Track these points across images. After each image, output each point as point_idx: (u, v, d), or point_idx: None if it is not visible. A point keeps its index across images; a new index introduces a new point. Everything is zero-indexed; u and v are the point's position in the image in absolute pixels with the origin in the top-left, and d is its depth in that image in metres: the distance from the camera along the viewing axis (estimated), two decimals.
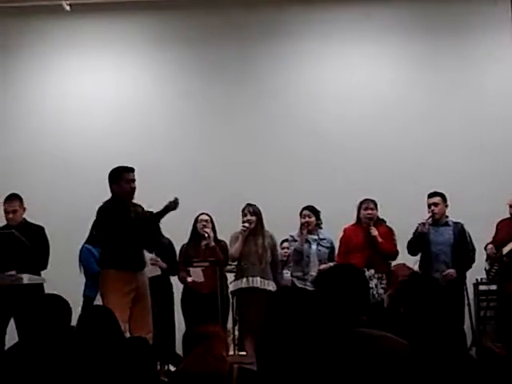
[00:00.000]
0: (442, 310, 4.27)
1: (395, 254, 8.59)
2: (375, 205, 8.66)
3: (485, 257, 8.74)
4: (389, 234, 8.64)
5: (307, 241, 8.71)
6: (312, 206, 8.82)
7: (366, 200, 8.69)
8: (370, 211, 8.61)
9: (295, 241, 8.74)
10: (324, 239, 8.77)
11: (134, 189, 7.33)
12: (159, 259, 8.58)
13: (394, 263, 8.58)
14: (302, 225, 8.73)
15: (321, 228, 8.85)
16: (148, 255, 8.15)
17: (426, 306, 4.09)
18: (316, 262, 8.66)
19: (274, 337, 3.46)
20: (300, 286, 8.49)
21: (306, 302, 3.65)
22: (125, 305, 7.03)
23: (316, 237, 8.76)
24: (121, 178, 7.33)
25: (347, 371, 3.13)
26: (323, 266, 8.55)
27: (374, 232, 8.52)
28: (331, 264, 8.49)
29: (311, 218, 8.77)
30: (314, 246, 8.71)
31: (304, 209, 8.81)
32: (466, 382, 3.74)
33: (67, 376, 3.90)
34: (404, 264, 7.93)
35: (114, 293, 7.13)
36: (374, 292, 8.21)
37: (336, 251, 8.76)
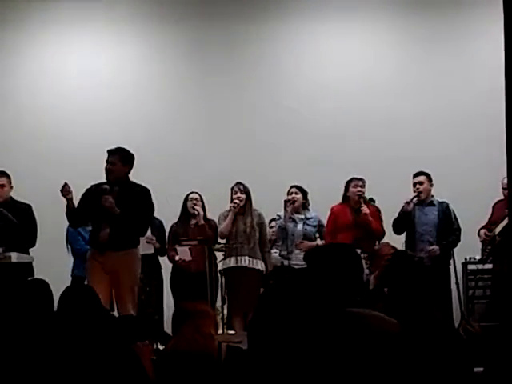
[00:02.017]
0: (427, 289, 4.28)
1: (382, 234, 8.60)
2: (364, 183, 8.65)
3: (474, 236, 8.76)
4: (376, 213, 8.65)
5: (293, 220, 8.71)
6: (300, 186, 8.82)
7: (354, 178, 8.68)
8: (360, 188, 8.60)
9: None
10: (311, 218, 8.78)
11: (106, 169, 7.34)
12: (154, 238, 8.62)
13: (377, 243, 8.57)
14: (286, 201, 8.73)
15: (308, 210, 8.84)
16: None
17: (410, 284, 4.10)
18: (301, 240, 8.67)
19: (266, 315, 3.45)
20: (286, 264, 8.52)
21: (299, 282, 3.65)
22: (104, 283, 7.08)
23: (302, 216, 8.77)
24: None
25: (339, 351, 3.13)
26: (306, 242, 8.55)
27: (366, 210, 8.51)
28: (318, 242, 8.51)
29: (298, 194, 8.77)
30: (300, 225, 8.72)
31: (292, 187, 8.82)
32: (454, 360, 3.75)
33: (48, 357, 3.89)
34: (387, 243, 7.92)
35: (93, 271, 7.24)
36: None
37: (325, 228, 8.76)
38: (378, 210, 8.69)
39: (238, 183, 8.63)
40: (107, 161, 7.35)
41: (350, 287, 3.43)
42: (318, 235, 8.82)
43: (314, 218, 8.79)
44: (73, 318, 4.10)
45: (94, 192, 7.31)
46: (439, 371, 3.67)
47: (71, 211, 7.28)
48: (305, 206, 8.85)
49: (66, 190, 7.20)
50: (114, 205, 7.16)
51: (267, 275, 8.32)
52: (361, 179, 8.66)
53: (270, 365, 3.26)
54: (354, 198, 8.60)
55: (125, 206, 7.22)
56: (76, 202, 7.31)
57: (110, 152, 7.38)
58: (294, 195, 8.77)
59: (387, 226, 8.68)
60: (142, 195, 7.38)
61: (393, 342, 3.17)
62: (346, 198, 8.69)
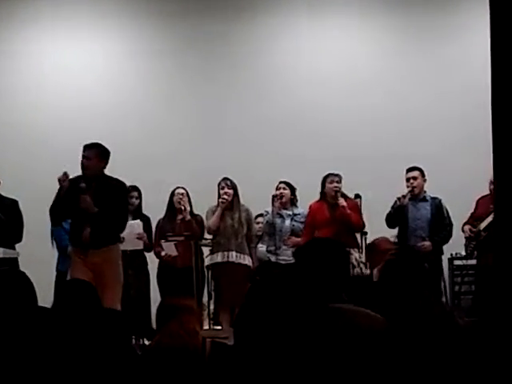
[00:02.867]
0: (427, 285, 4.30)
1: (362, 227, 8.56)
2: (340, 179, 8.61)
3: (461, 232, 8.78)
4: (355, 206, 8.59)
5: (281, 215, 8.71)
6: (288, 182, 8.81)
7: (330, 174, 8.61)
8: (336, 184, 8.55)
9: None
10: (298, 214, 8.77)
11: (82, 164, 7.32)
12: (145, 235, 8.62)
13: (373, 237, 8.51)
14: (274, 196, 8.72)
15: (296, 206, 8.83)
16: (133, 230, 8.26)
17: (417, 279, 4.11)
18: (289, 236, 8.66)
19: (252, 311, 3.45)
20: (273, 260, 8.52)
21: (285, 278, 3.65)
22: (87, 279, 7.06)
23: (290, 212, 8.77)
24: None
25: (324, 347, 3.13)
26: (294, 238, 8.55)
27: (343, 202, 8.47)
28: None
29: (286, 190, 8.77)
30: (287, 221, 8.71)
31: (280, 182, 8.81)
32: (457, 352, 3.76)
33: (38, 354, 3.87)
34: (386, 238, 7.89)
35: (74, 268, 7.25)
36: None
37: None
38: (357, 204, 8.65)
39: (225, 178, 8.62)
40: (84, 156, 7.32)
41: (336, 283, 3.43)
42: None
43: (302, 214, 8.78)
44: (74, 314, 4.07)
45: (70, 188, 7.26)
46: (441, 366, 3.67)
47: (57, 203, 7.24)
48: (293, 201, 8.85)
49: (64, 179, 7.20)
50: (91, 205, 7.15)
51: (253, 271, 8.32)
52: (337, 175, 8.59)
53: (255, 360, 3.25)
54: (330, 194, 8.55)
55: (102, 201, 7.21)
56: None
57: (86, 147, 7.34)
58: (281, 190, 8.77)
59: (380, 221, 8.65)
60: (119, 190, 7.39)
61: (378, 338, 3.17)
62: (323, 194, 8.66)
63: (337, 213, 8.48)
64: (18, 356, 3.77)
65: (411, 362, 3.55)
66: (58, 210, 7.34)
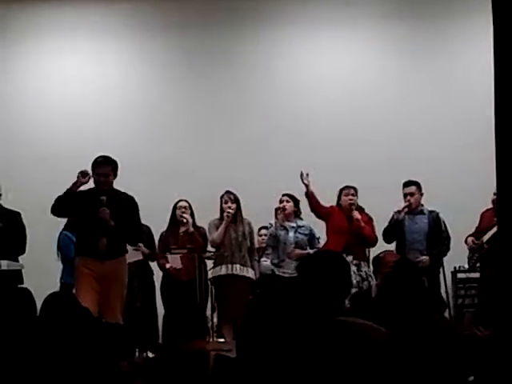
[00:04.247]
0: (428, 296, 4.29)
1: (375, 241, 8.61)
2: (356, 191, 8.67)
3: (463, 245, 8.77)
4: (369, 221, 8.67)
5: (285, 228, 8.70)
6: (291, 194, 8.82)
7: (346, 187, 8.71)
8: (351, 197, 8.63)
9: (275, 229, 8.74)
10: (302, 226, 8.76)
11: (99, 181, 7.34)
12: (142, 244, 8.61)
13: (376, 251, 8.53)
14: (277, 209, 8.73)
15: (301, 218, 8.83)
16: None
17: (413, 291, 4.10)
18: (293, 249, 8.66)
19: (254, 324, 3.45)
20: (278, 273, 8.51)
21: (287, 290, 3.64)
22: (91, 291, 7.11)
23: (294, 224, 8.75)
24: (92, 170, 7.37)
25: (326, 359, 3.13)
26: (298, 251, 8.55)
27: (357, 215, 8.53)
28: (309, 251, 8.49)
29: (289, 202, 8.76)
30: (291, 233, 8.70)
31: (283, 195, 8.82)
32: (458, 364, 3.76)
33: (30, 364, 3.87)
34: (392, 251, 7.90)
35: (81, 279, 7.25)
36: (352, 279, 8.19)
37: (316, 236, 8.78)
38: (371, 218, 8.71)
39: (228, 192, 8.63)
40: (100, 173, 7.33)
41: (338, 296, 3.42)
42: (308, 244, 8.78)
43: (306, 226, 8.77)
44: (55, 324, 4.09)
45: (84, 199, 7.30)
46: (439, 376, 3.67)
47: (66, 196, 7.25)
48: (296, 214, 8.83)
49: (84, 176, 7.23)
50: (110, 217, 7.20)
51: (254, 284, 8.32)
52: (353, 187, 8.69)
53: (257, 373, 3.25)
54: (345, 206, 8.62)
55: (114, 215, 7.25)
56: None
57: (101, 163, 7.34)
58: (284, 203, 8.76)
59: (378, 234, 8.67)
60: (130, 203, 7.46)
61: (380, 350, 3.16)
62: (338, 206, 8.72)
63: (352, 224, 8.52)
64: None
65: (413, 373, 3.55)
66: (65, 203, 7.33)
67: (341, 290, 3.44)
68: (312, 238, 8.78)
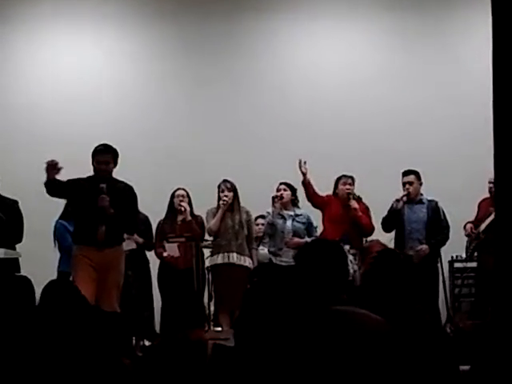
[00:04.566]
0: (415, 287, 4.28)
1: (372, 230, 8.62)
2: (353, 181, 8.67)
3: (461, 234, 8.79)
4: (365, 210, 8.68)
5: (282, 216, 8.71)
6: (289, 183, 8.82)
7: (344, 176, 8.71)
8: (348, 186, 8.63)
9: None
10: (300, 215, 8.76)
11: (100, 169, 7.35)
12: (135, 234, 8.60)
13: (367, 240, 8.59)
14: (274, 197, 8.73)
15: (298, 207, 8.83)
16: None
17: (395, 282, 4.09)
18: (291, 237, 8.67)
19: (252, 313, 3.45)
20: (275, 262, 8.52)
21: (285, 279, 3.64)
22: (89, 279, 7.10)
23: (292, 212, 8.76)
24: (92, 158, 7.38)
25: (325, 349, 3.13)
26: (295, 239, 8.56)
27: (355, 204, 8.53)
28: (307, 239, 8.50)
29: (286, 191, 8.76)
30: (289, 222, 8.71)
31: (280, 183, 8.82)
32: (440, 358, 3.76)
33: (29, 354, 3.87)
34: (378, 241, 7.91)
35: (79, 267, 7.25)
36: (350, 268, 8.19)
37: (314, 225, 8.79)
38: (367, 208, 8.71)
39: (225, 181, 8.63)
40: (101, 161, 7.33)
41: (336, 285, 3.42)
42: (306, 233, 8.79)
43: (304, 214, 8.78)
44: (55, 312, 4.09)
45: (83, 187, 7.30)
46: (424, 369, 3.67)
47: (52, 182, 7.23)
48: (294, 202, 8.84)
49: (53, 166, 7.19)
50: (109, 205, 7.20)
51: (251, 272, 8.31)
52: (350, 177, 8.69)
53: (256, 362, 3.25)
54: (342, 195, 8.62)
55: (112, 203, 7.25)
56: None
57: (101, 151, 7.35)
58: (282, 191, 8.76)
59: (376, 223, 8.68)
60: (128, 192, 7.46)
61: (379, 340, 3.17)
62: (335, 195, 8.73)
63: (349, 213, 8.52)
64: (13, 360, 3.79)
65: (412, 363, 3.55)
66: (54, 187, 7.28)
67: (338, 279, 3.44)
68: (310, 226, 8.78)
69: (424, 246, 8.49)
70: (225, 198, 8.52)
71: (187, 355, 3.73)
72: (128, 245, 8.35)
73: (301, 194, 8.85)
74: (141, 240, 8.69)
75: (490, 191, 8.56)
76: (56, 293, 4.26)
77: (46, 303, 4.22)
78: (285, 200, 8.74)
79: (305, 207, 8.88)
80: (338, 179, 8.72)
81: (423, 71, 10.66)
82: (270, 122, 10.59)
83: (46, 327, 3.96)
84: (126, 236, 8.09)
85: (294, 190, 8.82)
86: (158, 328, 8.83)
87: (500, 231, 3.58)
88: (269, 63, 10.81)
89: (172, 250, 8.67)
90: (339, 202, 8.63)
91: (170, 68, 10.78)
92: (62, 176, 7.36)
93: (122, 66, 10.84)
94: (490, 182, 8.52)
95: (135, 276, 8.55)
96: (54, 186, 7.23)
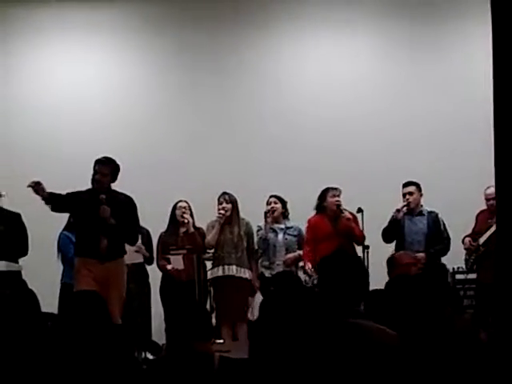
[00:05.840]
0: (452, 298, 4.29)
1: (363, 239, 8.54)
2: (340, 192, 8.59)
3: (462, 246, 8.79)
4: (354, 219, 8.59)
5: (274, 230, 8.71)
6: (278, 196, 8.82)
7: (331, 188, 8.62)
8: (337, 198, 8.55)
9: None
10: (291, 227, 8.75)
11: (96, 180, 7.40)
12: (143, 247, 8.65)
13: (374, 250, 8.50)
14: (266, 212, 8.73)
15: (288, 219, 8.83)
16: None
17: (444, 292, 4.11)
18: (283, 250, 8.67)
19: (269, 323, 3.46)
20: (267, 275, 8.51)
21: (303, 290, 3.65)
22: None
23: (283, 226, 8.75)
24: (93, 168, 7.44)
25: (340, 361, 3.14)
26: (290, 256, 8.58)
27: (348, 215, 8.47)
28: (300, 252, 8.53)
29: (277, 204, 8.77)
30: (280, 235, 8.71)
31: (270, 197, 8.83)
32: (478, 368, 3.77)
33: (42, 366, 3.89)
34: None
35: (80, 280, 7.26)
36: None
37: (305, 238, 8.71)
38: (355, 217, 8.63)
39: (224, 193, 8.65)
40: (97, 171, 7.37)
41: (354, 297, 3.44)
42: (297, 245, 8.76)
43: (295, 227, 8.76)
44: (82, 326, 4.09)
45: (83, 199, 7.33)
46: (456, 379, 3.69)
47: (49, 198, 7.25)
48: (285, 215, 8.84)
49: (37, 185, 7.21)
50: (110, 216, 7.22)
51: (269, 282, 8.25)
52: (336, 188, 8.61)
53: (271, 373, 3.26)
54: (332, 208, 8.53)
55: (113, 215, 7.28)
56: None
57: (101, 162, 7.39)
58: (273, 205, 8.77)
59: (377, 235, 8.67)
60: (128, 204, 7.50)
61: (392, 355, 3.18)
62: (321, 207, 8.64)
63: (339, 226, 8.49)
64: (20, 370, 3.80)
65: (424, 378, 3.56)
66: (60, 203, 7.35)
67: (357, 292, 3.45)
68: (300, 239, 8.75)
69: (419, 255, 8.41)
70: (221, 211, 8.54)
71: (194, 368, 3.74)
72: (136, 258, 8.38)
73: (292, 206, 8.85)
74: (148, 254, 8.74)
75: (487, 204, 8.62)
76: (86, 306, 4.25)
77: (73, 315, 4.20)
78: (276, 214, 8.75)
79: (295, 219, 8.88)
80: (325, 191, 8.63)
81: (424, 82, 10.65)
82: (274, 136, 10.56)
83: (65, 339, 3.96)
84: (133, 249, 8.13)
85: (284, 203, 8.83)
86: (156, 339, 8.86)
87: (501, 242, 3.60)
88: (265, 78, 10.79)
89: (177, 262, 8.68)
90: (326, 217, 8.58)
91: (173, 83, 10.77)
92: (62, 190, 7.41)
93: (125, 78, 10.80)
94: (486, 199, 8.56)
95: (136, 290, 8.57)
96: (54, 201, 7.26)
